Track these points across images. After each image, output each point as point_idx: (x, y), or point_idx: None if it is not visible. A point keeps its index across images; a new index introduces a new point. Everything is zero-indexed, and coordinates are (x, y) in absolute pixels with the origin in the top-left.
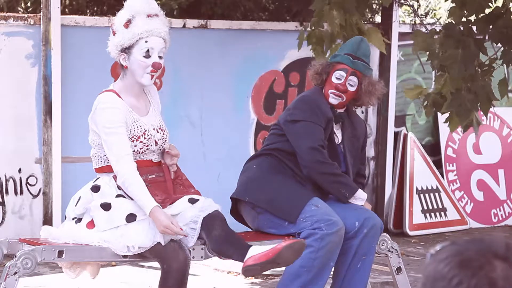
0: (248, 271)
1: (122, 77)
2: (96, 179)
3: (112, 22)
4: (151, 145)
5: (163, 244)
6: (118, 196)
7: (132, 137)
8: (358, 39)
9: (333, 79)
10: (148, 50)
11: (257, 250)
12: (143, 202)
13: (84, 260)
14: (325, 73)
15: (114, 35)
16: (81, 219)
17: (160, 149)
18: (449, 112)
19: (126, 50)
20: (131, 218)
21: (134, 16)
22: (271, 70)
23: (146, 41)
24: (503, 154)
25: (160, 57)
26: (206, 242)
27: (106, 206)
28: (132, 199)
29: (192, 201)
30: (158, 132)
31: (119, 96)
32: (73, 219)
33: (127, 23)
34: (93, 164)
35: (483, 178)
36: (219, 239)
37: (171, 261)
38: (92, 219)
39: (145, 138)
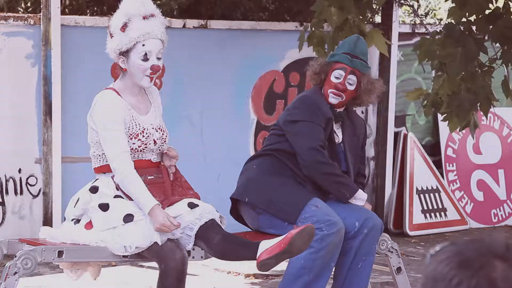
0: (263, 265)
1: (121, 77)
2: (95, 180)
3: (109, 24)
4: (150, 144)
5: (160, 243)
6: (116, 196)
7: (130, 134)
8: (355, 38)
9: (332, 79)
10: (146, 54)
11: (268, 244)
12: (142, 200)
13: (84, 260)
14: (323, 73)
15: (111, 37)
16: (80, 220)
17: (159, 149)
18: (447, 112)
19: (124, 53)
20: (128, 218)
21: (130, 19)
22: (271, 70)
23: (143, 45)
24: (503, 154)
25: (158, 59)
26: (210, 252)
27: (104, 207)
28: (130, 199)
29: (192, 205)
30: (157, 131)
31: (119, 95)
32: (72, 220)
33: (124, 27)
34: (92, 163)
35: (483, 178)
36: (222, 244)
37: (168, 261)
38: (91, 220)
39: (143, 136)
